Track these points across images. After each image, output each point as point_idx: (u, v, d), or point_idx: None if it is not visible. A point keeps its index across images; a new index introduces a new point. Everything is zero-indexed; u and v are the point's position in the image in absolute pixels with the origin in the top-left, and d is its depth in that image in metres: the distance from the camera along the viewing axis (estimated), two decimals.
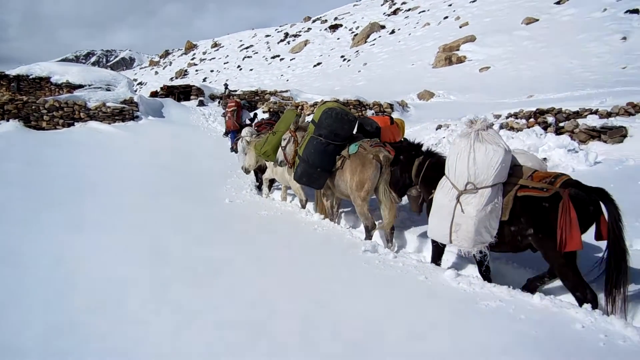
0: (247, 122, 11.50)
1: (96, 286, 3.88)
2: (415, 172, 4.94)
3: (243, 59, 72.65)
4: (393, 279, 4.20)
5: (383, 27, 57.38)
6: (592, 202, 3.72)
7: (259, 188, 8.82)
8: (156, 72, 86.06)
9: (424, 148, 5.10)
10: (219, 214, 6.46)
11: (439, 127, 13.34)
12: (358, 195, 5.69)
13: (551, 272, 4.07)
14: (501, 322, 3.36)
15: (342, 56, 54.75)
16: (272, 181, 8.41)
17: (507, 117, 13.10)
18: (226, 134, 13.51)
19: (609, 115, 12.00)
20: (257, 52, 74.39)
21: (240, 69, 66.77)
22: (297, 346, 3.04)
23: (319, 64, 55.78)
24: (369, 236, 5.73)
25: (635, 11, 29.76)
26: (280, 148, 6.94)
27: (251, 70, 64.10)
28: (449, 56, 34.62)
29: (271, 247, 5.05)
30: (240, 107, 12.80)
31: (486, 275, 4.46)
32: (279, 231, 5.73)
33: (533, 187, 3.91)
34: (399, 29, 53.61)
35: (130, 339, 3.08)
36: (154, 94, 25.15)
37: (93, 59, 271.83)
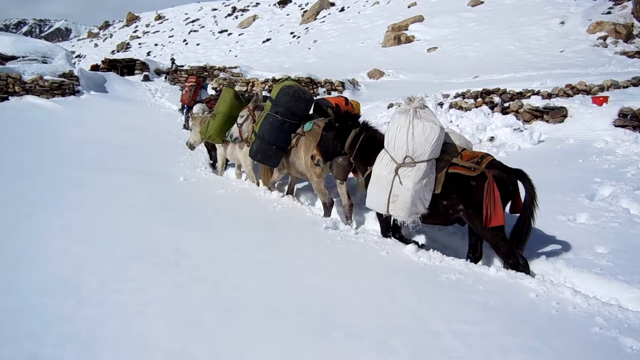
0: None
1: (50, 267, 3.69)
2: (350, 143, 5.05)
3: (189, 33, 70.20)
4: (355, 254, 4.26)
5: (333, 4, 57.03)
6: (511, 182, 4.13)
7: (214, 166, 8.64)
8: (96, 45, 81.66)
9: (360, 120, 5.19)
10: (174, 193, 6.27)
11: (391, 105, 13.53)
12: (314, 172, 5.71)
13: (473, 246, 4.44)
14: (462, 294, 3.50)
15: (291, 33, 54.07)
16: (227, 159, 8.27)
17: (455, 97, 13.46)
18: (181, 109, 13.14)
19: (549, 96, 12.59)
20: (203, 26, 72.06)
21: (187, 44, 64.55)
22: (266, 322, 3.04)
23: (268, 40, 54.85)
24: (328, 213, 5.78)
25: None
26: (235, 124, 6.83)
27: (198, 44, 62.11)
28: (398, 35, 34.98)
29: (231, 227, 4.98)
30: (200, 86, 12.57)
31: (401, 238, 4.83)
32: (237, 210, 5.64)
33: (462, 165, 4.22)
34: (348, 7, 53.48)
35: (92, 321, 2.97)
36: (94, 68, 23.90)
37: (25, 29, 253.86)
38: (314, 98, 6.55)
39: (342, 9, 54.10)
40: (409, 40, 34.52)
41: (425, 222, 4.52)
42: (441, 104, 11.82)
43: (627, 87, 13.80)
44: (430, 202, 4.33)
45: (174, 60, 24.56)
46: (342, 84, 20.65)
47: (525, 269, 3.97)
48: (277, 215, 5.47)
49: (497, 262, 4.47)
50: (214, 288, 3.50)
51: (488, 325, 3.05)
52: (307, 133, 5.91)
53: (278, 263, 4.00)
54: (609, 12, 27.73)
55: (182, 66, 24.09)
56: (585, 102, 10.36)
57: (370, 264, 4.07)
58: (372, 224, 5.66)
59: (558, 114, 9.63)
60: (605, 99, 10.14)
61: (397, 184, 4.30)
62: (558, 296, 3.45)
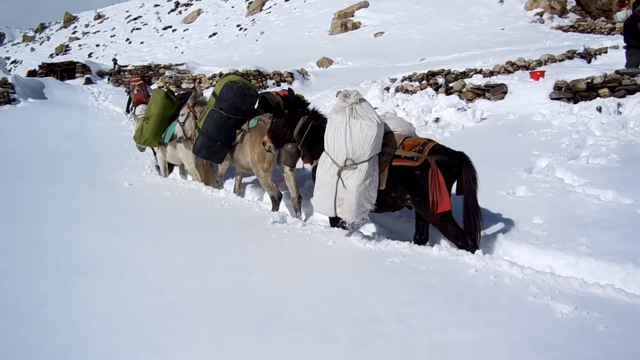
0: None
1: None
2: (299, 131, 5.00)
3: (132, 32, 67.97)
4: (302, 246, 4.27)
5: None
6: (455, 165, 4.17)
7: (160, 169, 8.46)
8: (32, 49, 77.79)
9: (309, 107, 5.16)
10: (119, 200, 6.10)
11: (339, 93, 13.59)
12: (260, 167, 5.68)
13: (419, 229, 4.54)
14: (405, 276, 3.57)
15: (238, 25, 53.26)
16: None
17: (402, 81, 13.64)
18: (128, 110, 12.76)
19: (491, 74, 12.96)
20: (146, 24, 69.93)
21: (130, 42, 62.52)
22: (210, 324, 3.01)
23: (214, 34, 53.83)
24: (276, 207, 5.77)
25: None
26: (177, 124, 6.69)
27: (142, 43, 60.26)
28: (345, 22, 35.06)
29: (176, 230, 4.88)
30: (145, 83, 12.25)
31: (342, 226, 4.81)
32: (184, 211, 5.55)
33: (405, 156, 4.23)
34: None
35: (28, 344, 2.85)
36: (31, 73, 22.78)
37: None
38: (259, 93, 6.51)
39: None
40: (355, 26, 34.67)
41: (375, 212, 4.56)
42: (388, 89, 11.96)
43: (562, 60, 14.38)
44: (377, 197, 4.33)
45: (116, 60, 23.75)
46: (291, 74, 20.57)
47: (475, 248, 4.05)
48: (224, 213, 5.41)
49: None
50: (158, 295, 3.43)
51: (429, 305, 3.13)
52: (252, 129, 5.86)
53: (223, 263, 3.97)
54: None
55: (126, 66, 23.34)
56: (523, 77, 10.72)
57: (317, 255, 4.09)
58: (321, 214, 5.68)
59: (498, 91, 9.93)
60: (542, 73, 10.52)
61: (340, 188, 4.25)
62: (496, 269, 3.58)
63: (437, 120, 9.25)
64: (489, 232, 4.47)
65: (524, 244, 4.11)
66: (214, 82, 18.98)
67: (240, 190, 6.75)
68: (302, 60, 26.46)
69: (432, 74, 13.37)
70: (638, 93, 8.36)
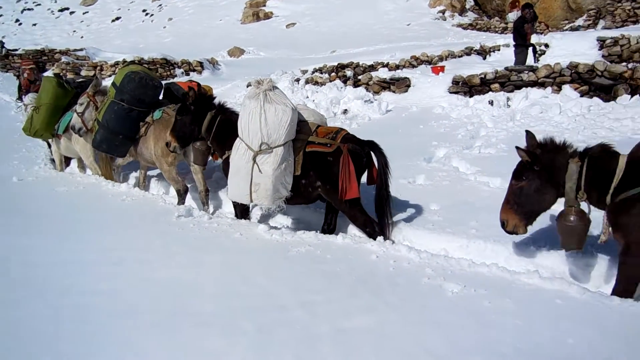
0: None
1: None
2: (207, 127, 4.90)
3: (22, 12, 61.98)
4: (209, 240, 4.20)
5: None
6: (365, 154, 4.32)
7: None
8: None
9: (215, 102, 5.08)
10: (6, 197, 5.59)
11: (249, 84, 13.44)
12: (165, 161, 5.49)
13: (328, 218, 4.67)
14: (310, 265, 3.64)
15: (144, 10, 50.51)
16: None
17: (312, 72, 13.81)
18: (20, 97, 11.69)
19: (397, 67, 13.52)
20: (39, 4, 64.06)
21: (20, 24, 56.98)
22: (116, 325, 2.87)
23: (117, 18, 50.62)
24: (182, 200, 5.62)
25: None
26: (75, 114, 6.25)
27: (34, 25, 55.14)
28: (257, 12, 34.65)
29: (75, 228, 4.59)
30: (38, 68, 11.28)
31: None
32: (82, 207, 5.22)
33: (319, 142, 4.32)
34: None
35: None
36: None
37: None
38: (163, 83, 6.26)
39: None
40: (267, 16, 34.40)
41: (289, 204, 4.58)
42: (298, 80, 12.04)
43: (461, 56, 15.35)
44: (295, 184, 4.36)
45: (4, 43, 21.59)
46: (201, 64, 19.99)
47: (381, 235, 4.21)
48: (126, 209, 5.17)
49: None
50: (62, 296, 3.21)
51: (333, 292, 3.22)
52: (156, 122, 5.64)
53: (128, 260, 3.79)
54: None
55: (16, 50, 21.31)
56: (426, 72, 11.31)
57: (223, 248, 4.05)
58: (229, 207, 5.62)
59: (403, 84, 10.38)
60: (442, 68, 11.17)
61: (256, 173, 4.23)
62: (395, 254, 3.76)
63: (345, 111, 9.49)
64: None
65: (422, 230, 4.36)
66: (117, 70, 17.93)
67: (144, 184, 6.48)
68: (213, 49, 25.75)
69: (341, 67, 13.68)
70: (524, 88, 9.17)
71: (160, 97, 6.14)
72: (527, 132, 3.56)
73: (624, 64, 9.75)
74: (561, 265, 3.86)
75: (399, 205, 4.98)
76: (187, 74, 18.89)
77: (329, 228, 4.66)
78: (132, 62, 16.35)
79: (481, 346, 2.61)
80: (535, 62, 11.18)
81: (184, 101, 4.99)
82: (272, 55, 25.05)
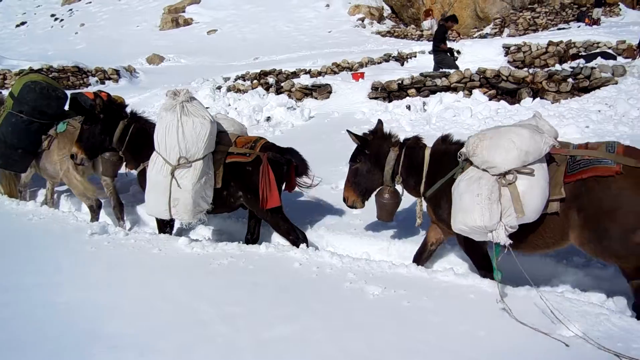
0: None
1: None
2: (119, 137, 4.71)
3: None
4: (125, 257, 4.00)
5: None
6: (286, 162, 4.36)
7: None
8: None
9: (128, 110, 4.89)
10: None
11: (168, 92, 13.03)
12: (72, 176, 5.18)
13: (251, 228, 4.67)
14: (232, 277, 3.58)
15: (52, 15, 47.47)
16: None
17: (235, 80, 13.66)
18: None
19: (319, 74, 13.70)
20: None
21: None
22: (26, 353, 2.65)
23: (23, 23, 47.17)
24: (95, 217, 5.32)
25: None
26: None
27: None
28: (176, 18, 33.75)
29: None
30: None
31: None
32: None
33: (238, 153, 4.28)
34: None
35: None
36: None
37: None
38: (70, 93, 5.90)
39: None
40: (187, 22, 33.59)
41: (211, 214, 4.49)
42: (219, 88, 11.86)
43: (380, 62, 15.84)
44: (216, 195, 4.29)
45: None
46: (117, 72, 19.11)
47: (304, 242, 4.24)
48: (33, 229, 4.80)
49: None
50: None
51: (255, 303, 3.18)
52: (60, 135, 5.31)
53: (34, 285, 3.52)
54: None
55: None
56: (347, 78, 11.55)
57: (141, 265, 3.87)
58: (150, 220, 5.40)
59: (324, 91, 10.54)
60: (362, 74, 11.46)
61: (175, 188, 4.09)
62: (318, 261, 3.78)
63: (268, 119, 9.46)
64: (315, 226, 4.71)
65: (344, 234, 4.44)
66: (16, 80, 16.70)
67: (53, 200, 6.06)
68: (130, 56, 24.70)
69: (264, 74, 13.65)
70: (438, 93, 9.62)
71: (66, 108, 5.78)
72: (349, 131, 4.06)
73: (526, 69, 10.52)
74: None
75: (323, 211, 5.03)
76: (103, 83, 17.99)
77: (253, 237, 4.62)
78: (33, 71, 15.29)
79: (400, 345, 2.69)
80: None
81: (91, 110, 4.73)
82: (194, 62, 24.49)
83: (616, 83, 9.30)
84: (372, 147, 3.88)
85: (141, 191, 5.77)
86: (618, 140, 3.29)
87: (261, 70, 14.01)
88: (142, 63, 24.27)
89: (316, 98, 10.46)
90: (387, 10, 29.45)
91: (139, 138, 4.63)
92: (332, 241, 4.43)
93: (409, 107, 9.17)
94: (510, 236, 3.12)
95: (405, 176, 3.81)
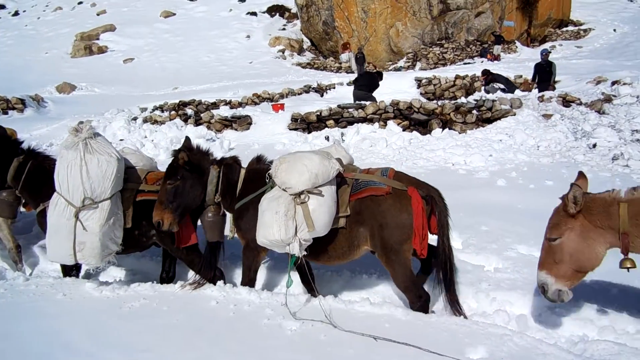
0: None
1: None
2: (14, 174, 4.44)
3: None
4: (24, 305, 3.70)
5: (3, 7, 48.77)
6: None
7: None
8: None
9: (24, 146, 4.63)
10: None
11: (81, 122, 12.38)
12: None
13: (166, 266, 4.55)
14: (145, 321, 3.42)
15: None
16: None
17: (152, 110, 13.29)
18: None
19: (240, 105, 13.70)
20: None
21: None
22: None
23: None
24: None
25: (254, 13, 34.46)
26: None
27: None
28: (89, 45, 32.43)
29: None
30: None
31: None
32: None
33: (149, 190, 4.15)
34: (24, 11, 46.63)
35: None
36: None
37: None
38: None
39: (17, 13, 46.80)
40: (102, 50, 32.34)
41: (122, 254, 4.26)
42: (135, 119, 11.47)
43: (301, 93, 16.17)
44: (126, 235, 4.10)
45: None
46: (22, 101, 17.81)
47: (222, 279, 4.13)
48: None
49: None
50: None
51: (167, 347, 3.06)
52: None
53: None
54: (284, 29, 31.91)
55: None
56: (267, 109, 11.65)
57: (42, 313, 3.59)
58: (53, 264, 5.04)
59: (244, 122, 10.54)
60: (282, 106, 11.62)
61: (80, 231, 3.85)
62: (236, 298, 3.72)
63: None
64: (234, 261, 4.64)
65: (262, 269, 4.40)
66: None
67: None
68: (38, 85, 23.24)
69: (183, 104, 13.42)
70: (355, 124, 9.96)
71: None
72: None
73: (436, 101, 11.20)
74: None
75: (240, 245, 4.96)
76: (5, 113, 16.69)
77: (168, 276, 4.46)
78: None
79: None
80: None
81: None
82: (109, 91, 23.54)
83: (514, 115, 10.15)
84: (194, 164, 3.87)
85: (39, 231, 5.41)
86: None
87: (180, 101, 13.75)
88: (51, 92, 22.92)
89: (236, 129, 10.43)
90: (306, 43, 30.21)
91: (37, 176, 4.36)
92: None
93: (327, 138, 9.40)
94: (311, 249, 3.55)
95: (224, 194, 3.93)
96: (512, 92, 13.07)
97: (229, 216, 4.12)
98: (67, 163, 3.84)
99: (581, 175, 3.18)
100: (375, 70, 12.61)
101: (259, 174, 3.80)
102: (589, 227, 2.91)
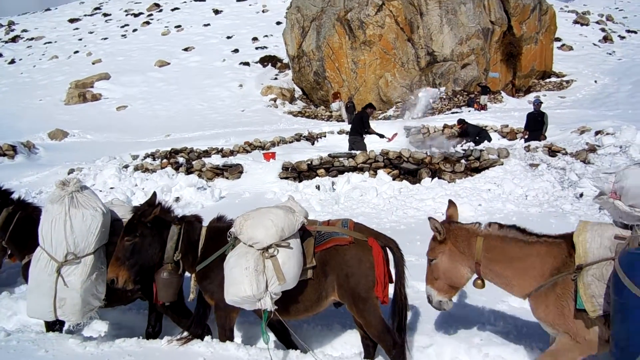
0: None
1: None
2: (2, 225, 4.41)
3: None
4: None
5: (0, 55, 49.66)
6: None
7: None
8: None
9: (15, 196, 4.62)
10: None
11: (72, 170, 12.38)
12: None
13: (152, 321, 4.41)
14: None
15: None
16: None
17: (145, 157, 13.35)
18: None
19: (231, 153, 13.82)
20: None
21: None
22: None
23: None
24: None
25: (247, 64, 35.34)
26: None
27: None
28: (83, 93, 32.86)
29: None
30: None
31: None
32: None
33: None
34: (20, 59, 47.47)
35: None
36: None
37: None
38: None
39: (13, 61, 47.59)
40: (95, 98, 32.76)
41: (105, 307, 4.20)
42: (127, 167, 11.49)
43: (292, 142, 16.37)
44: (109, 290, 3.99)
45: None
46: (14, 147, 17.86)
47: (209, 334, 4.04)
48: None
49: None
50: None
51: None
52: None
53: None
54: (275, 78, 32.71)
55: None
56: (258, 157, 11.74)
57: None
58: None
59: (235, 171, 10.60)
60: (273, 154, 11.73)
61: (61, 287, 3.77)
62: (224, 354, 3.65)
63: (177, 199, 9.26)
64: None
65: (243, 322, 4.34)
66: None
67: None
68: (30, 131, 23.36)
69: (175, 152, 13.52)
70: (346, 173, 10.06)
71: None
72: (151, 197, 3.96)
73: (425, 150, 11.39)
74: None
75: None
76: None
77: (154, 331, 4.35)
78: None
79: None
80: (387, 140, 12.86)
81: None
82: (101, 138, 23.68)
83: (502, 164, 10.33)
84: (155, 220, 3.79)
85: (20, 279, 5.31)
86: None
87: (172, 149, 13.86)
88: (43, 138, 23.00)
89: (227, 178, 10.47)
90: (298, 92, 30.88)
91: (24, 227, 4.33)
92: (236, 332, 4.29)
93: (318, 187, 9.45)
94: (280, 303, 3.53)
95: (184, 252, 3.87)
96: (489, 141, 13.49)
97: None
98: (51, 217, 3.81)
99: (451, 204, 3.61)
100: (361, 108, 13.10)
101: (220, 232, 3.79)
102: (456, 252, 3.34)
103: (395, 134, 13.37)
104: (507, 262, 3.17)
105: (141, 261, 3.76)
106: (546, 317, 3.06)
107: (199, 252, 3.84)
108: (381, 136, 13.01)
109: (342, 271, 3.59)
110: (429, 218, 3.44)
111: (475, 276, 3.37)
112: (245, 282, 3.34)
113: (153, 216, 3.73)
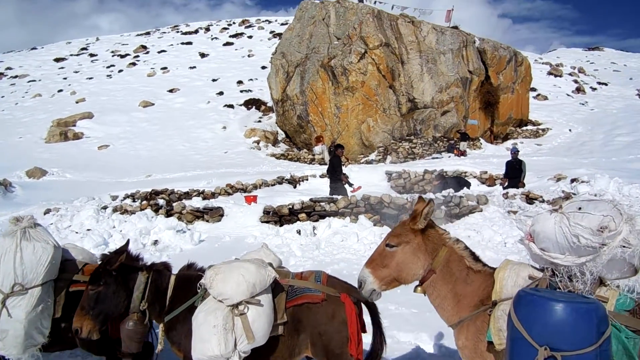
0: None
1: None
2: None
3: None
4: None
5: None
6: None
7: None
8: None
9: None
10: None
11: (48, 210, 12.13)
12: None
13: None
14: None
15: None
16: None
17: (124, 199, 13.18)
18: None
19: (213, 195, 13.75)
20: None
21: None
22: None
23: None
24: None
25: (231, 106, 35.80)
26: None
27: None
28: (65, 131, 32.69)
29: None
30: None
31: None
32: None
33: (84, 281, 4.00)
34: (2, 97, 47.22)
35: None
36: None
37: None
38: None
39: None
40: (77, 136, 32.57)
41: (49, 351, 4.04)
42: (105, 208, 11.32)
43: (274, 185, 16.38)
44: (54, 328, 3.88)
45: None
46: None
47: None
48: None
49: None
50: None
51: None
52: None
53: None
54: (259, 121, 33.09)
55: None
56: (239, 200, 11.70)
57: None
58: None
59: (216, 214, 10.52)
60: (255, 198, 11.71)
61: (5, 318, 3.66)
62: None
63: (155, 242, 9.10)
64: None
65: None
66: None
67: None
68: (7, 169, 22.95)
69: (155, 193, 13.38)
70: (327, 218, 10.06)
71: None
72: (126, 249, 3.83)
73: (407, 195, 11.50)
74: None
75: None
76: None
77: None
78: None
79: None
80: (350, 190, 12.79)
81: None
82: (80, 177, 23.38)
83: (481, 211, 10.47)
84: (121, 268, 3.68)
85: None
86: None
87: (152, 190, 13.72)
88: (20, 176, 22.63)
89: (207, 221, 10.37)
90: (281, 135, 31.21)
91: None
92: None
93: (299, 232, 9.41)
94: None
95: (152, 301, 3.75)
96: (468, 187, 13.74)
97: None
98: (2, 251, 3.74)
99: (420, 199, 3.32)
100: (334, 149, 13.30)
101: (190, 282, 3.69)
102: (422, 249, 3.16)
103: (359, 187, 13.19)
104: (451, 283, 3.09)
105: (106, 310, 3.62)
106: (463, 348, 3.03)
107: (167, 302, 3.72)
108: (349, 184, 13.02)
109: (315, 329, 3.56)
110: (420, 197, 3.30)
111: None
112: (213, 340, 3.24)
113: (119, 264, 3.62)
